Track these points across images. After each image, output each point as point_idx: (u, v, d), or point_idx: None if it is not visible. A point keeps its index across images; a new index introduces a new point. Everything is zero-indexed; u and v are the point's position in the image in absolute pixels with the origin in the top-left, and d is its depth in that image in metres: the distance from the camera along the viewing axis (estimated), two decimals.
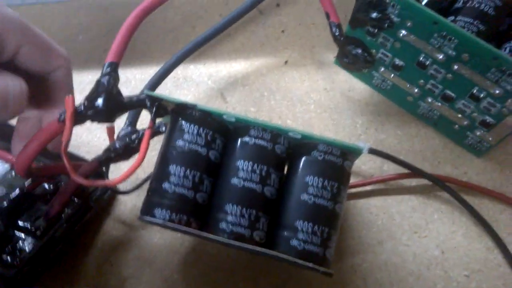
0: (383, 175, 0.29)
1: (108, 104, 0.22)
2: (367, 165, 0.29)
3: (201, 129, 0.22)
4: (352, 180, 0.27)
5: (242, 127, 0.22)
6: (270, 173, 0.22)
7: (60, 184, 0.29)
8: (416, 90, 0.28)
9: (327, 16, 0.30)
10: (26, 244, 0.28)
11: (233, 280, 0.27)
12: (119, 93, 0.23)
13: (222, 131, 0.23)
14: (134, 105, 0.24)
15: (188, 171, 0.22)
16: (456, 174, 0.29)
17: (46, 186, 0.29)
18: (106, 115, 0.23)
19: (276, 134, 0.22)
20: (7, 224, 0.28)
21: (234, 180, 0.22)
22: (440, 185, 0.28)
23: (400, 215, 0.28)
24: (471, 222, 0.27)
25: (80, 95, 0.26)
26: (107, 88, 0.22)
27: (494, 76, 0.24)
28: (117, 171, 0.30)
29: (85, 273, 0.28)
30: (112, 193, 0.31)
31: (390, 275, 0.26)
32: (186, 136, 0.22)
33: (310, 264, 0.21)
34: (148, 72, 0.34)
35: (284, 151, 0.22)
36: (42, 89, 0.23)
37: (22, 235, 0.28)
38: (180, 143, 0.22)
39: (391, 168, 0.29)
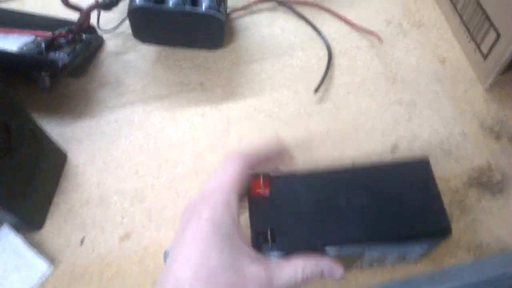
0: (250, 2, 0.55)
1: None
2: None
3: None
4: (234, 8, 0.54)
5: None
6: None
7: (76, 38, 0.51)
8: None
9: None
10: (63, 55, 0.48)
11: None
12: None
13: None
14: None
15: None
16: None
17: (63, 40, 0.50)
18: None
19: None
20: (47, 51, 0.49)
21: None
22: (280, 4, 0.55)
23: (262, 22, 0.54)
24: (295, 17, 0.54)
25: None
26: None
27: None
28: None
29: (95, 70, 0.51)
30: (99, 36, 0.53)
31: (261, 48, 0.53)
32: None
33: (212, 13, 0.45)
34: None
35: None
36: None
37: (57, 54, 0.49)
38: None
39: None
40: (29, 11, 0.52)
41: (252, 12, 0.55)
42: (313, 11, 0.55)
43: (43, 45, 0.49)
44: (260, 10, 0.55)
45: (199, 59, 0.52)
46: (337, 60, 0.51)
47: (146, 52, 0.53)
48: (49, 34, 0.50)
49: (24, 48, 0.50)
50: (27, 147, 0.40)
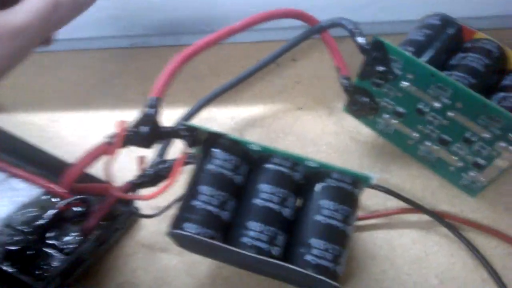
0: (387, 210, 0.32)
1: (151, 132, 0.26)
2: (373, 201, 0.32)
3: (229, 156, 0.25)
4: (359, 213, 0.30)
5: (266, 155, 0.26)
6: (288, 196, 0.25)
7: (90, 208, 0.31)
8: (415, 135, 0.32)
9: (338, 70, 0.34)
10: (56, 259, 0.29)
11: None
12: (159, 123, 0.27)
13: (247, 159, 0.26)
14: (171, 135, 0.27)
15: (215, 191, 0.25)
16: (453, 212, 0.32)
17: (75, 209, 0.31)
18: (148, 142, 0.27)
19: (295, 162, 0.25)
20: (39, 240, 0.30)
21: (256, 201, 0.25)
22: (439, 221, 0.31)
23: (402, 247, 0.30)
24: (468, 255, 0.30)
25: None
26: (152, 118, 0.26)
27: (484, 122, 0.28)
28: None
29: None
30: (135, 217, 0.33)
31: None
32: (216, 161, 0.25)
33: (322, 277, 0.23)
34: (176, 113, 0.38)
35: (301, 178, 0.26)
36: None
37: (52, 251, 0.30)
38: (210, 166, 0.25)
39: (393, 204, 0.32)
40: (48, 150, 0.34)
41: (390, 225, 0.32)
42: (489, 237, 0.31)
43: (43, 222, 0.29)
44: (404, 225, 0.32)
45: None
46: None
47: (195, 262, 0.31)
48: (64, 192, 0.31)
49: (19, 215, 0.30)
50: None
